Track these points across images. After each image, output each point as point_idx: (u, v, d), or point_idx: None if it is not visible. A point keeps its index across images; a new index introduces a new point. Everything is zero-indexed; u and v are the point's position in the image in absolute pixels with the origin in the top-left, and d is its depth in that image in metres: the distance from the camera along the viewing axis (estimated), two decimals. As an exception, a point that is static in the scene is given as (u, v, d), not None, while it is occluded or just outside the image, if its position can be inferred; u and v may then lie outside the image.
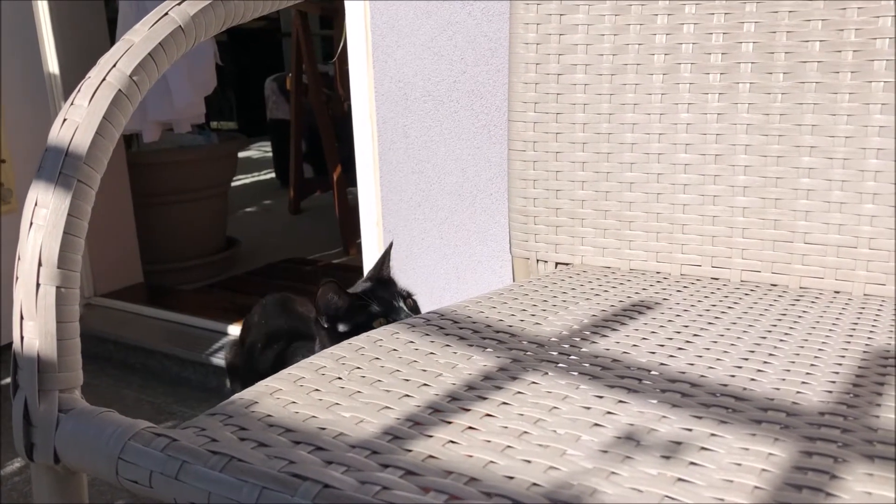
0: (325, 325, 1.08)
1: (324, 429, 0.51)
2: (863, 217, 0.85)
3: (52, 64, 2.06)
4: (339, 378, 0.59)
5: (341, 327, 1.07)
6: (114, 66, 0.57)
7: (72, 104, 0.57)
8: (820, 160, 0.86)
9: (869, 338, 0.70)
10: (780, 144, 0.87)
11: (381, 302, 1.08)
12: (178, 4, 0.61)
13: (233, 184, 3.02)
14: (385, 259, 1.18)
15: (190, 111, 2.17)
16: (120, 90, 0.57)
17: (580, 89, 0.96)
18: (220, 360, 1.89)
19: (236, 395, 0.57)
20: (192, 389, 1.94)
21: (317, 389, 0.57)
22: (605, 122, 0.96)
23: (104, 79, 0.57)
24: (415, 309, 1.12)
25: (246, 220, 3.56)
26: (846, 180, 0.85)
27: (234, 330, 2.00)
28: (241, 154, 4.57)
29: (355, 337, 0.68)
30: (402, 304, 1.08)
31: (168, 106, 2.12)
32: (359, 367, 0.61)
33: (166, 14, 0.61)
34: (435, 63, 1.38)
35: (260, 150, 5.34)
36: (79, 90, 0.57)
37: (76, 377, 0.57)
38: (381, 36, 1.43)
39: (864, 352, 0.66)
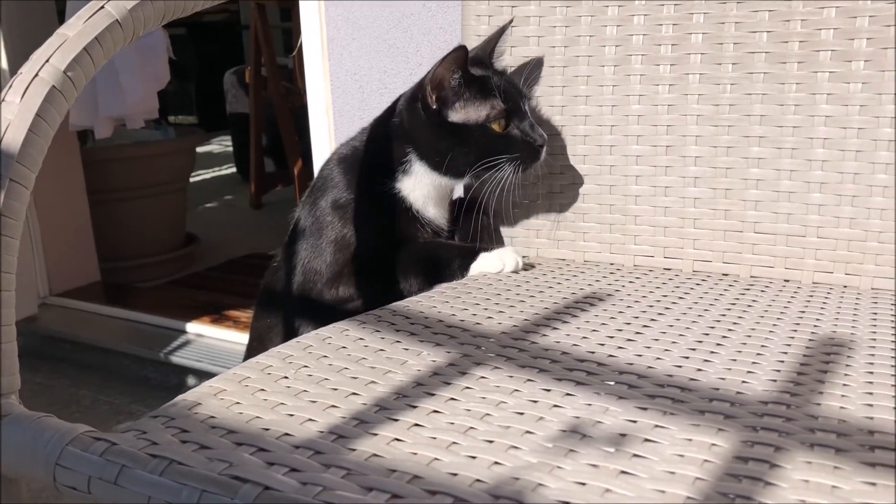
0: (434, 107, 0.87)
1: (267, 429, 0.51)
2: (811, 206, 0.86)
3: (1, 59, 2.01)
4: (286, 377, 0.59)
5: (453, 116, 0.87)
6: (46, 61, 0.56)
7: (3, 101, 0.55)
8: (769, 150, 0.87)
9: (815, 325, 0.71)
10: (730, 135, 0.88)
11: (507, 97, 0.87)
12: (114, -2, 0.60)
13: (193, 179, 2.97)
14: (498, 39, 0.93)
15: (142, 106, 2.13)
16: (54, 86, 0.56)
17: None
18: (180, 358, 1.86)
19: (179, 397, 0.56)
20: (152, 389, 1.91)
21: (262, 389, 0.57)
22: (559, 114, 0.96)
23: (36, 74, 0.55)
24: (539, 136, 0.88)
25: (207, 215, 3.51)
26: (794, 170, 0.86)
27: (194, 328, 1.98)
28: (201, 149, 4.50)
29: (304, 335, 0.67)
30: (527, 107, 0.89)
31: (120, 101, 2.08)
32: (306, 366, 0.61)
33: (102, 7, 0.59)
34: (390, 56, 1.37)
35: (221, 144, 5.28)
36: (10, 86, 0.55)
37: (13, 382, 0.55)
38: (335, 28, 1.41)
39: (810, 340, 0.67)
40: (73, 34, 0.57)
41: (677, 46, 0.90)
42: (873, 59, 0.82)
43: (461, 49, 0.83)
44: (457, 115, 0.87)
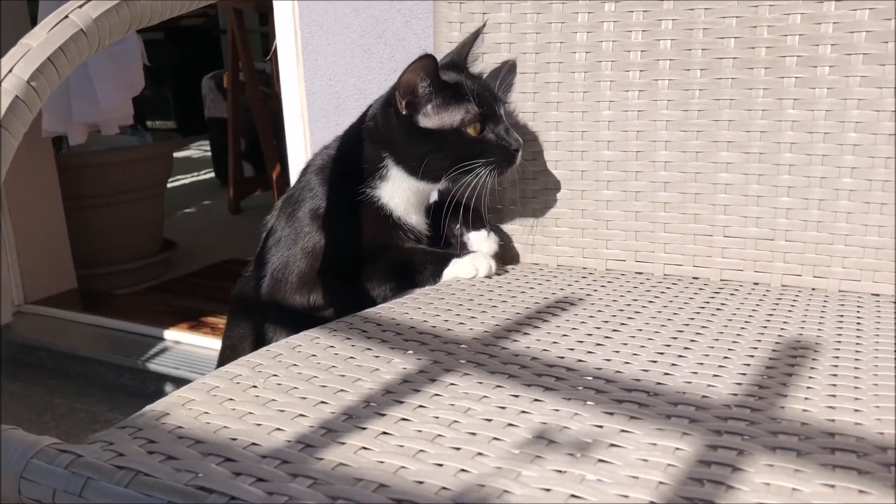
0: (404, 113, 0.87)
1: (235, 439, 0.51)
2: (779, 210, 0.87)
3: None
4: (254, 386, 0.59)
5: (426, 122, 0.87)
6: (9, 71, 0.56)
7: (-35, 112, 0.55)
8: (737, 155, 0.88)
9: (782, 328, 0.72)
10: (699, 140, 0.89)
11: (481, 101, 0.87)
12: (80, 7, 0.60)
13: (172, 184, 2.95)
14: (472, 43, 0.92)
15: (117, 112, 2.11)
16: (17, 96, 0.55)
17: (505, 87, 0.97)
18: (157, 365, 1.85)
19: (147, 407, 0.56)
20: (129, 396, 1.89)
21: (230, 399, 0.57)
22: (530, 120, 0.96)
23: (-1, 85, 0.55)
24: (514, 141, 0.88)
25: (185, 220, 3.49)
26: (762, 174, 0.87)
27: (171, 334, 1.96)
28: (180, 154, 4.47)
29: (274, 343, 0.67)
30: (502, 111, 0.89)
31: (94, 107, 2.06)
32: (275, 375, 0.61)
33: (67, 17, 0.59)
34: (365, 61, 1.37)
35: (199, 149, 5.25)
36: (-27, 97, 0.55)
37: (-22, 394, 0.55)
38: (310, 34, 1.41)
39: (777, 342, 0.68)
40: (37, 44, 0.57)
41: (647, 52, 0.90)
42: (838, 65, 0.83)
43: (427, 57, 0.82)
44: (430, 120, 0.87)
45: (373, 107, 0.94)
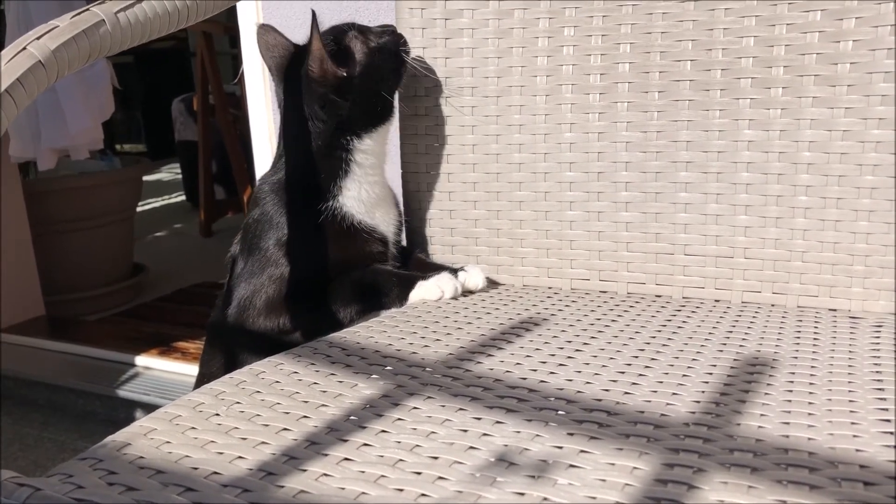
0: (343, 74, 0.90)
1: (196, 468, 0.51)
2: (737, 228, 0.89)
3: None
4: (217, 414, 0.59)
5: (356, 67, 0.91)
6: (-33, 104, 0.56)
7: (-78, 145, 0.55)
8: (696, 174, 0.90)
9: (741, 345, 0.73)
10: (659, 161, 0.91)
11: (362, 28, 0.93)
12: (38, 38, 0.60)
13: (143, 207, 2.93)
14: None
15: (86, 137, 2.10)
16: (-26, 129, 0.55)
17: (468, 111, 0.98)
18: (127, 391, 1.83)
19: (108, 438, 0.56)
20: (99, 424, 1.87)
21: (193, 427, 0.57)
22: (494, 142, 0.98)
23: (-44, 118, 0.55)
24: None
25: (156, 244, 3.46)
26: (721, 193, 0.89)
27: (141, 360, 1.95)
28: (150, 177, 4.44)
29: (237, 371, 0.67)
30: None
31: (63, 132, 2.05)
32: (238, 402, 0.61)
33: (24, 49, 0.59)
34: (332, 85, 1.38)
35: (170, 172, 5.22)
36: (-71, 130, 0.55)
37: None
38: (277, 58, 1.41)
39: (735, 359, 0.69)
40: (-5, 76, 0.57)
41: (606, 76, 0.92)
42: (791, 86, 0.85)
43: (312, 19, 0.85)
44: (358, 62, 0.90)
45: (292, 115, 0.93)
